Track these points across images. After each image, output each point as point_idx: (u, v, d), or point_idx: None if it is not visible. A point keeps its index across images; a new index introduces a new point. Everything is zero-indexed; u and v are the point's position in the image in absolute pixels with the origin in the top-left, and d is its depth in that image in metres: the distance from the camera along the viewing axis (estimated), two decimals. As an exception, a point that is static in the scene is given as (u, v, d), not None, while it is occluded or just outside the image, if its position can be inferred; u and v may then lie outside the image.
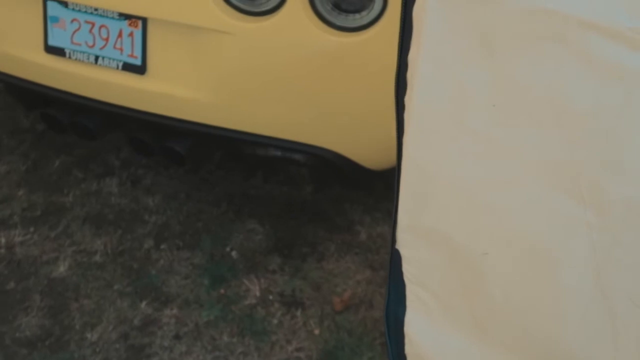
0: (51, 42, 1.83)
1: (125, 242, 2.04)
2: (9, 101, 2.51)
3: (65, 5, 1.79)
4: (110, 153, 2.34)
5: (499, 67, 0.88)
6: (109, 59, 1.79)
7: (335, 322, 1.84)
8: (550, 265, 0.95)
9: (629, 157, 0.84)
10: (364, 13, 1.62)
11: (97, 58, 1.80)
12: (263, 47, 1.68)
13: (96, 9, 1.77)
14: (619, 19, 0.80)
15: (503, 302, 1.00)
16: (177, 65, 1.76)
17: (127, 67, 1.78)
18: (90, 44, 1.80)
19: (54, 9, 1.81)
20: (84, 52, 1.81)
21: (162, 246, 2.04)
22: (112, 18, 1.76)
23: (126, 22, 1.75)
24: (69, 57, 1.82)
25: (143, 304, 1.86)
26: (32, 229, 2.06)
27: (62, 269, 1.94)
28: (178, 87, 1.77)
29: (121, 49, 1.77)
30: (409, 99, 0.98)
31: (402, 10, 0.94)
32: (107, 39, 1.78)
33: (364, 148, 1.84)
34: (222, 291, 1.91)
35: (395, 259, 1.11)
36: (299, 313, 1.86)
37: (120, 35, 1.76)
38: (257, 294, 1.91)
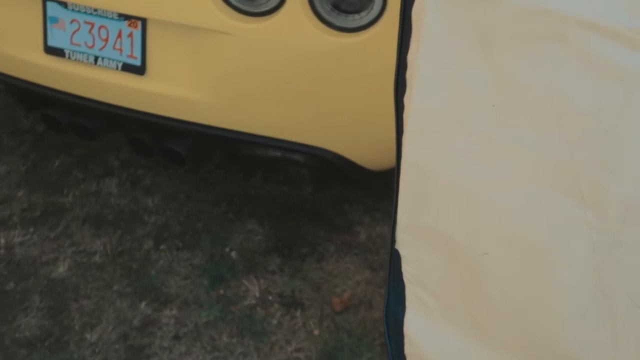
0: (51, 43, 1.83)
1: (124, 243, 2.04)
2: (9, 102, 2.51)
3: (65, 5, 1.79)
4: (110, 153, 2.34)
5: (498, 67, 0.87)
6: (109, 59, 1.79)
7: (334, 323, 1.84)
8: (550, 265, 0.95)
9: (628, 157, 0.84)
10: (363, 13, 1.62)
11: (96, 58, 1.80)
12: (262, 48, 1.68)
13: (96, 10, 1.77)
14: (619, 19, 0.80)
15: (503, 302, 1.00)
16: (177, 65, 1.76)
17: (127, 68, 1.78)
18: (90, 44, 1.80)
19: (53, 9, 1.81)
20: (83, 53, 1.81)
21: (162, 247, 2.04)
22: (112, 19, 1.76)
23: (126, 23, 1.75)
24: (69, 58, 1.82)
25: (142, 305, 1.86)
26: (31, 230, 2.06)
27: (61, 269, 1.94)
28: (177, 87, 1.77)
29: (121, 50, 1.77)
30: (408, 99, 0.98)
31: (401, 10, 0.94)
32: (106, 40, 1.78)
33: (364, 148, 1.84)
34: (221, 292, 1.91)
35: (394, 259, 1.11)
36: (298, 313, 1.86)
37: (119, 35, 1.76)
38: (257, 294, 1.91)
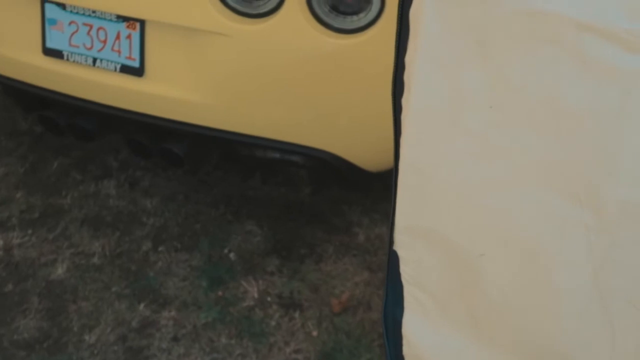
0: (49, 45, 1.84)
1: (123, 244, 2.04)
2: (7, 103, 2.51)
3: (63, 7, 1.79)
4: (108, 155, 2.34)
5: (495, 69, 0.88)
6: (107, 61, 1.79)
7: (333, 324, 1.84)
8: (547, 266, 0.95)
9: (625, 158, 0.84)
10: (361, 15, 1.63)
11: (95, 60, 1.80)
12: (261, 49, 1.68)
13: (94, 11, 1.77)
14: (615, 20, 0.80)
15: (500, 303, 1.00)
16: (175, 67, 1.76)
17: (125, 69, 1.78)
18: (88, 46, 1.80)
19: (51, 11, 1.81)
20: (82, 55, 1.81)
21: (160, 248, 2.04)
22: (110, 20, 1.76)
23: (124, 25, 1.75)
24: (67, 60, 1.82)
25: (141, 306, 1.86)
26: (30, 231, 2.06)
27: (60, 271, 1.94)
28: (176, 89, 1.77)
29: (119, 51, 1.77)
30: (406, 101, 0.98)
31: (398, 12, 0.94)
32: (105, 41, 1.78)
33: (362, 150, 1.84)
34: (220, 293, 1.91)
35: (392, 260, 1.11)
36: (297, 315, 1.86)
37: (118, 37, 1.77)
38: (255, 295, 1.91)
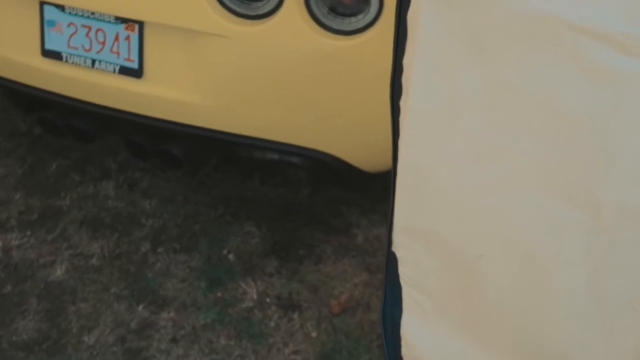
0: (48, 46, 1.84)
1: (122, 246, 2.04)
2: (6, 105, 2.51)
3: (62, 9, 1.79)
4: (107, 156, 2.34)
5: (493, 71, 0.88)
6: (106, 62, 1.79)
7: (332, 325, 1.84)
8: (545, 267, 0.95)
9: (622, 160, 0.85)
10: (360, 16, 1.63)
11: (93, 62, 1.80)
12: (259, 51, 1.68)
13: (93, 13, 1.77)
14: (612, 23, 0.80)
15: (499, 305, 1.00)
16: (174, 68, 1.76)
17: (124, 71, 1.78)
18: (87, 47, 1.80)
19: (50, 12, 1.81)
20: (80, 56, 1.81)
21: (159, 249, 2.04)
22: (109, 22, 1.76)
23: (123, 26, 1.76)
24: (66, 61, 1.82)
25: (140, 307, 1.86)
26: (29, 233, 2.06)
27: (59, 272, 1.94)
28: (175, 90, 1.77)
29: (118, 53, 1.77)
30: (404, 103, 0.98)
31: (396, 14, 0.94)
32: (103, 43, 1.78)
33: (361, 150, 1.84)
34: (219, 294, 1.91)
35: (391, 261, 1.11)
36: (296, 316, 1.86)
37: (116, 39, 1.77)
38: (254, 296, 1.91)
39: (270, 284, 1.95)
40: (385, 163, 1.75)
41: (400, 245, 1.09)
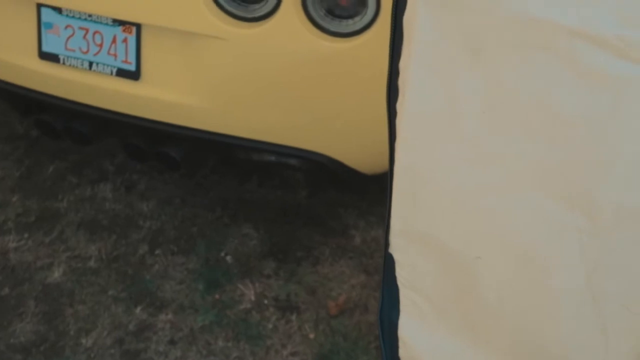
0: (45, 48, 1.84)
1: (119, 248, 2.04)
2: (3, 107, 2.51)
3: (59, 11, 1.80)
4: (105, 158, 2.34)
5: (489, 74, 0.88)
6: (103, 64, 1.79)
7: (330, 326, 1.85)
8: (542, 269, 0.96)
9: (618, 163, 0.85)
10: (357, 19, 1.63)
11: (91, 64, 1.80)
12: (257, 53, 1.68)
13: (90, 15, 1.77)
14: (606, 27, 0.81)
15: (496, 306, 1.01)
16: (171, 70, 1.76)
17: (121, 73, 1.78)
18: (84, 50, 1.80)
19: (48, 15, 1.81)
20: (78, 58, 1.81)
21: (157, 251, 2.04)
22: (106, 24, 1.76)
23: (120, 28, 1.76)
24: (63, 63, 1.82)
25: (138, 309, 1.86)
26: (26, 235, 2.06)
27: (56, 274, 1.94)
28: (172, 92, 1.77)
29: (115, 55, 1.78)
30: (400, 106, 0.99)
31: (392, 18, 0.95)
32: (101, 45, 1.78)
33: (358, 152, 1.85)
34: (217, 296, 1.92)
35: (388, 263, 1.11)
36: (294, 317, 1.87)
37: (114, 41, 1.77)
38: (252, 298, 1.91)
39: (268, 285, 1.95)
40: (382, 165, 1.75)
41: (397, 247, 1.09)
